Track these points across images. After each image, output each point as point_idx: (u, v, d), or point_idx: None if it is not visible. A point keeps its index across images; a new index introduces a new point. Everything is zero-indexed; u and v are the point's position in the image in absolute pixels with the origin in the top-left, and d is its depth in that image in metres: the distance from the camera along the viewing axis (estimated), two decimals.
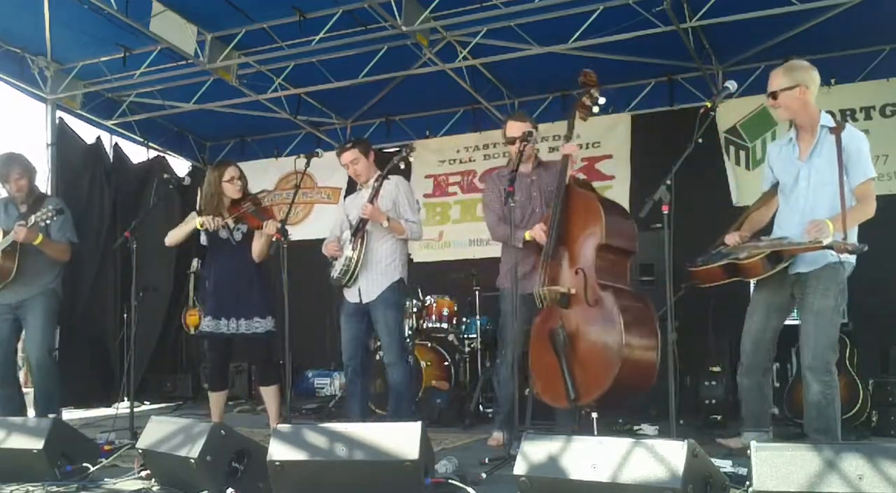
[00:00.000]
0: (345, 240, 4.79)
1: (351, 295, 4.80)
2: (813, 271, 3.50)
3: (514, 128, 4.57)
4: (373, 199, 4.62)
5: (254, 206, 4.80)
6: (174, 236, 4.94)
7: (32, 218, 4.73)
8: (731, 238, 3.70)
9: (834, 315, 3.49)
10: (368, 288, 4.71)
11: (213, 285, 4.89)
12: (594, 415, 3.80)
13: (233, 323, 4.78)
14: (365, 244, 4.68)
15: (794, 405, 5.12)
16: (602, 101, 4.43)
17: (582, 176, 6.67)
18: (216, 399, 5.07)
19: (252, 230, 4.81)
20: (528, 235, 4.36)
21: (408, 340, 6.41)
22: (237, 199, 4.87)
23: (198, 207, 4.98)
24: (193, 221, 4.79)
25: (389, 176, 4.74)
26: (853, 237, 3.48)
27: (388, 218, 4.64)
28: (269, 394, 4.96)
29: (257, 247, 4.79)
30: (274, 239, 4.49)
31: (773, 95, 3.56)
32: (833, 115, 3.74)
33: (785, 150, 3.70)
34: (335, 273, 4.76)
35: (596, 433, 3.74)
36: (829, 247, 3.24)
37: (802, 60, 3.66)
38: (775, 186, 3.77)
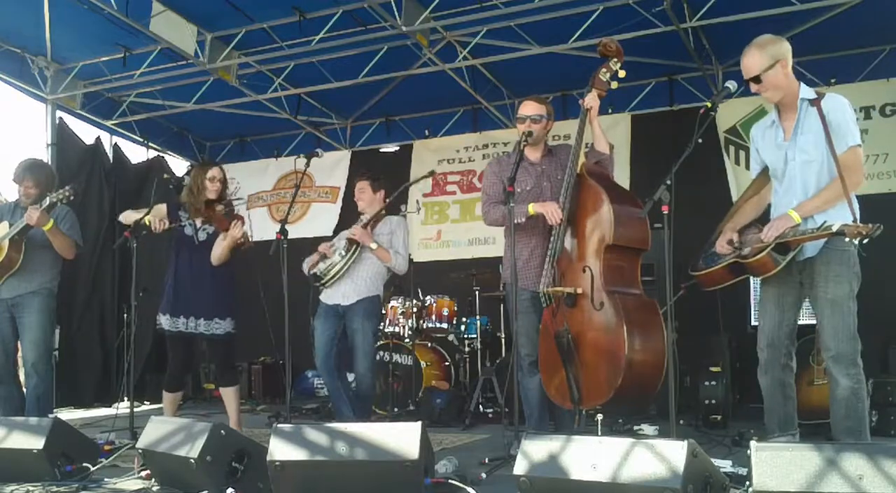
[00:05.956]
0: (338, 247, 4.95)
1: (329, 297, 4.93)
2: (820, 254, 3.30)
3: (528, 108, 4.23)
4: (367, 225, 4.88)
5: (226, 209, 4.89)
6: (128, 217, 5.01)
7: (47, 199, 4.70)
8: (721, 246, 3.53)
9: (850, 302, 3.27)
10: (349, 292, 4.87)
11: (172, 281, 4.89)
12: (599, 417, 3.77)
13: (192, 322, 4.79)
14: (355, 256, 4.88)
15: (798, 405, 5.11)
16: (622, 74, 4.09)
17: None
18: (170, 400, 4.99)
19: (216, 233, 4.86)
20: (532, 208, 4.05)
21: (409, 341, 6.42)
22: (212, 200, 4.93)
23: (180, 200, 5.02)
24: (140, 214, 4.86)
25: (393, 217, 5.11)
26: (846, 211, 3.25)
27: (376, 243, 4.87)
28: (228, 395, 4.97)
29: (218, 250, 4.81)
30: (242, 242, 4.68)
31: (756, 79, 3.37)
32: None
33: (769, 133, 3.53)
34: (316, 270, 4.93)
35: (598, 433, 3.74)
36: (840, 233, 3.03)
37: (764, 35, 3.46)
38: (765, 170, 3.60)
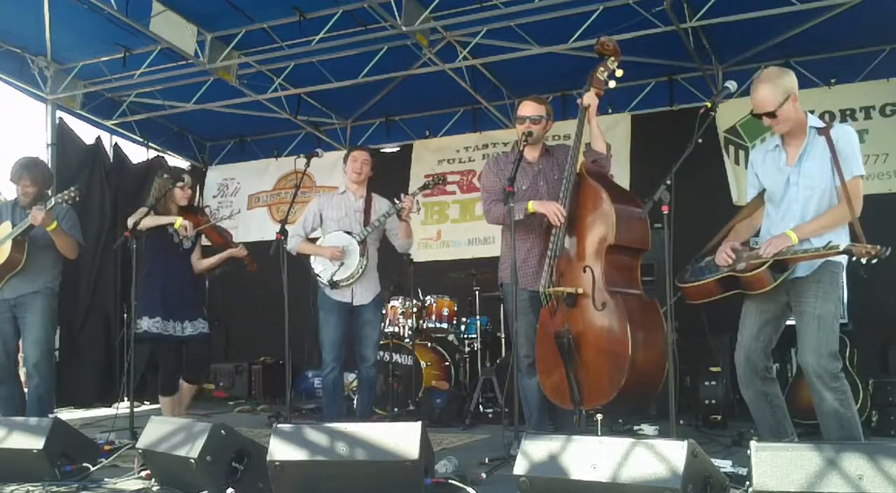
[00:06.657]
0: (348, 245, 4.90)
1: (341, 295, 4.92)
2: (812, 273, 3.36)
3: (528, 108, 4.24)
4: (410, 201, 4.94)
5: (212, 222, 5.03)
6: (141, 221, 4.84)
7: (52, 200, 4.71)
8: (722, 258, 3.53)
9: (835, 321, 3.34)
10: (362, 292, 4.94)
11: (160, 286, 4.96)
12: (599, 417, 3.77)
13: (178, 325, 4.97)
14: (367, 252, 4.94)
15: (796, 405, 5.12)
16: (619, 73, 4.09)
17: None
18: (167, 403, 5.17)
19: (198, 240, 5.00)
20: (532, 206, 4.03)
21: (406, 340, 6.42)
22: (184, 206, 5.02)
23: (147, 205, 4.99)
24: (173, 219, 4.89)
25: (383, 199, 5.11)
26: (844, 236, 3.35)
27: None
28: (188, 390, 5.21)
29: (206, 262, 5.09)
30: (249, 262, 5.04)
31: (771, 115, 3.39)
32: (834, 115, 3.64)
33: (770, 156, 3.57)
34: (336, 276, 4.85)
35: (598, 433, 3.73)
36: (847, 252, 3.09)
37: (771, 69, 3.52)
38: (762, 193, 3.63)
